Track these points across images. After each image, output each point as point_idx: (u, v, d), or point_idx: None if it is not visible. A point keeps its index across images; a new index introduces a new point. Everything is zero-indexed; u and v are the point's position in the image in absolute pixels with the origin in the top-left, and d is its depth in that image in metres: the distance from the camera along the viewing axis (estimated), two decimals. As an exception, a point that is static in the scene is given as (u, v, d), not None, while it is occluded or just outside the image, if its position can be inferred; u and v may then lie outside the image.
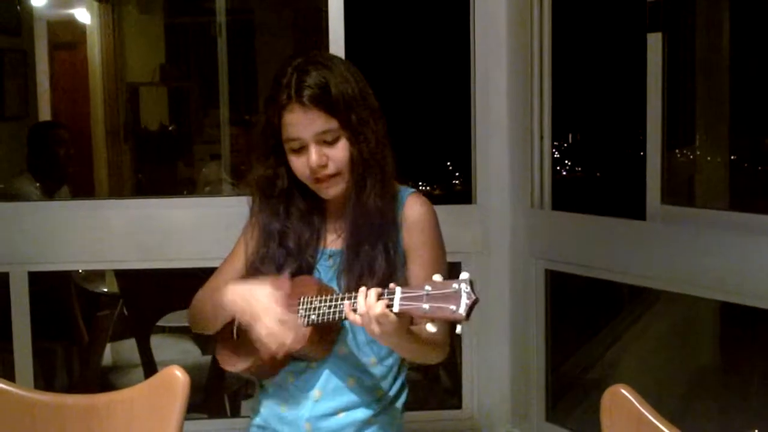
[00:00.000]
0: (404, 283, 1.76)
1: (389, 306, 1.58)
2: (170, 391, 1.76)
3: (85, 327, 4.12)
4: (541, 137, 3.32)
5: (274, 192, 1.88)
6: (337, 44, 3.13)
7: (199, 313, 1.95)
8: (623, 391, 1.62)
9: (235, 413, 3.87)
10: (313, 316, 1.73)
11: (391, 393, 1.92)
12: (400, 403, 1.95)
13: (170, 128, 5.92)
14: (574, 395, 3.72)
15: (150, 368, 3.59)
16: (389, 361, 1.91)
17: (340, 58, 1.90)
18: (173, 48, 5.97)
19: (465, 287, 1.54)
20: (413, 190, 1.92)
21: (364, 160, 1.80)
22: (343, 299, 1.69)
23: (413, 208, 1.87)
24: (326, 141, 1.78)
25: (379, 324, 1.59)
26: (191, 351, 4.15)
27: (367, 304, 1.60)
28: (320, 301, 1.73)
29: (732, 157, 3.98)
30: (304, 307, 1.75)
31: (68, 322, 4.10)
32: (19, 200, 3.98)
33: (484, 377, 3.38)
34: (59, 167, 4.42)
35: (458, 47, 3.38)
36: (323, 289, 1.79)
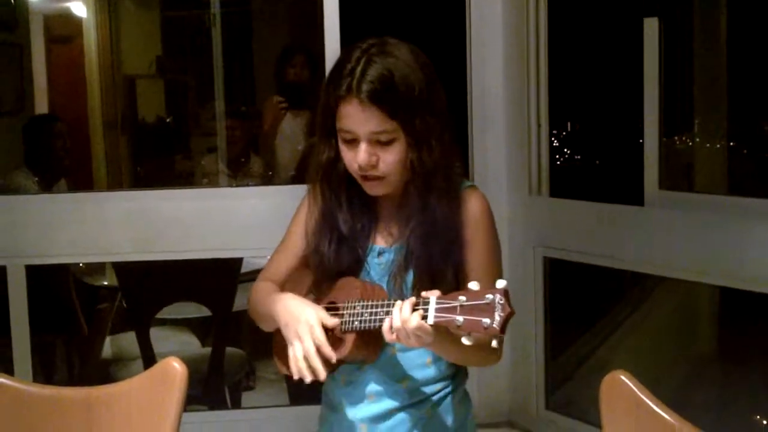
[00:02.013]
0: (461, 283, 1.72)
1: (424, 317, 1.52)
2: (168, 383, 1.75)
3: (85, 320, 4.12)
4: (538, 124, 3.32)
5: (336, 175, 1.80)
6: (332, 33, 3.12)
7: (254, 311, 1.90)
8: (622, 377, 1.62)
9: (236, 405, 3.87)
10: (356, 323, 1.67)
11: (448, 389, 1.86)
12: (460, 393, 1.90)
13: (168, 120, 5.90)
14: (574, 383, 3.72)
15: (150, 360, 3.58)
16: (444, 361, 1.85)
17: (417, 53, 1.73)
18: (170, 40, 5.94)
19: (499, 299, 1.47)
20: (470, 183, 1.84)
21: (426, 169, 1.71)
22: (385, 305, 1.63)
23: (473, 205, 1.79)
24: (380, 141, 1.69)
25: (417, 337, 1.54)
26: (191, 343, 4.15)
27: (402, 318, 1.54)
28: (363, 307, 1.67)
29: (731, 143, 3.98)
30: (348, 312, 1.70)
31: (68, 316, 4.10)
32: (16, 194, 3.97)
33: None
34: (56, 161, 4.41)
35: (454, 35, 3.38)
36: (367, 292, 1.72)
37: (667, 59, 2.99)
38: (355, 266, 1.80)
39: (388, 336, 1.59)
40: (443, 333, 1.55)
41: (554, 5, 3.28)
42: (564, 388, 3.61)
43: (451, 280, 1.73)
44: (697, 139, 3.95)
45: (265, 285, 1.89)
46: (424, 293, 1.55)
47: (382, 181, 1.74)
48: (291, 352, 1.68)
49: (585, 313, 4.28)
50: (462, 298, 1.49)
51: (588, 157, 5.32)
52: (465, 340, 1.49)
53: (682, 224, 2.84)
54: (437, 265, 1.73)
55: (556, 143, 4.04)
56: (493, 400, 3.42)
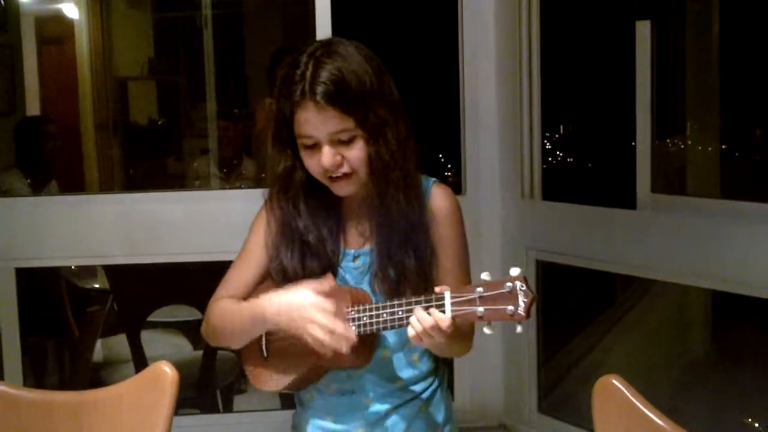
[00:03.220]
0: (435, 279, 1.76)
1: (442, 313, 1.56)
2: (159, 387, 1.75)
3: (76, 323, 4.11)
4: (531, 127, 3.31)
5: (293, 185, 1.80)
6: (324, 35, 3.11)
7: (221, 330, 1.86)
8: (614, 381, 1.62)
9: (228, 408, 3.86)
10: (353, 328, 1.67)
11: (435, 384, 1.90)
12: (445, 386, 1.93)
13: (159, 122, 5.90)
14: (566, 386, 3.72)
15: (141, 364, 3.57)
16: (431, 356, 1.89)
17: (361, 48, 1.75)
18: (162, 42, 5.94)
19: (520, 285, 1.52)
20: (435, 180, 1.85)
21: (384, 163, 1.72)
22: (383, 308, 1.64)
23: (439, 201, 1.81)
24: (341, 140, 1.69)
25: (440, 333, 1.56)
26: (182, 346, 4.13)
27: (420, 320, 1.56)
28: (357, 311, 1.67)
29: (723, 146, 3.98)
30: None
31: (59, 319, 4.09)
32: (7, 196, 3.96)
33: (476, 369, 3.37)
34: (48, 162, 4.41)
35: (446, 39, 3.37)
36: (357, 298, 1.73)
37: (659, 62, 2.99)
38: (327, 273, 1.78)
39: (415, 340, 1.60)
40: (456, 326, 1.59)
41: (547, 7, 3.28)
42: (557, 391, 3.60)
43: (415, 272, 1.74)
44: (690, 142, 3.95)
45: (229, 301, 1.86)
46: (437, 289, 1.58)
47: (351, 179, 1.74)
48: (309, 338, 1.65)
49: (577, 316, 4.28)
50: (479, 289, 1.54)
51: (580, 160, 5.33)
52: (486, 330, 1.56)
53: (674, 228, 2.84)
54: (396, 257, 1.74)
55: (548, 146, 4.05)
56: (485, 403, 3.41)
